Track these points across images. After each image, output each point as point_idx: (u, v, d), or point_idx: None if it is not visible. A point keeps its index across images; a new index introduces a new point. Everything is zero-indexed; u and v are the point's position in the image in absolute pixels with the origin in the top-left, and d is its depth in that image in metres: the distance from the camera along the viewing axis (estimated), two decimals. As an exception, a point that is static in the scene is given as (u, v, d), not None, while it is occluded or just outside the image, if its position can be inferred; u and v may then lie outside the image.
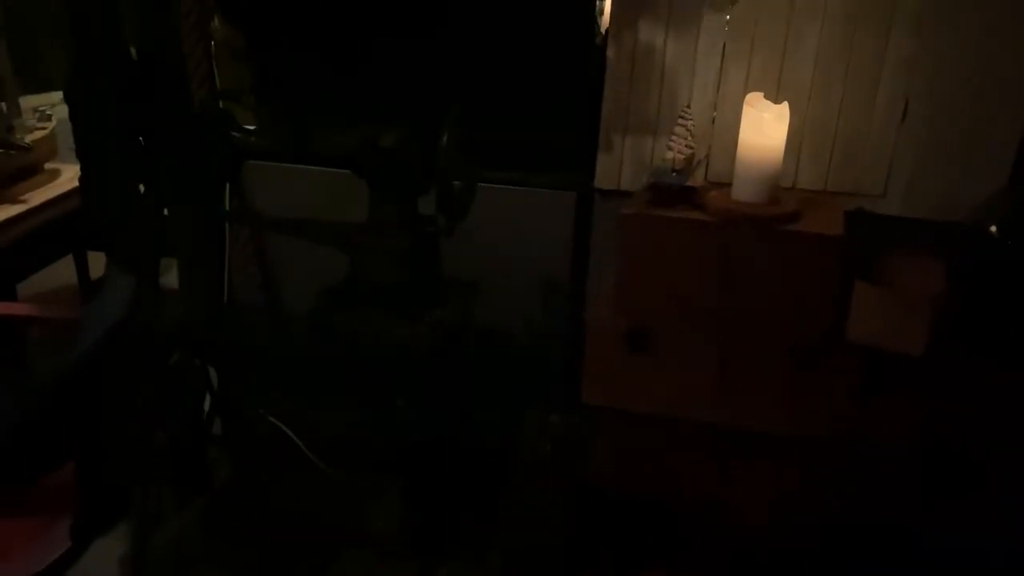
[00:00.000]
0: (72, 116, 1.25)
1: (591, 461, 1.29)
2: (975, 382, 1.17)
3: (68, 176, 1.82)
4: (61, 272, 1.96)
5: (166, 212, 1.39)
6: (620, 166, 1.60)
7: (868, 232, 1.37)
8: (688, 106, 1.48)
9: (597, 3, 1.51)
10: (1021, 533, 1.14)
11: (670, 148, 1.33)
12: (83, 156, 1.27)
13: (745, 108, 1.26)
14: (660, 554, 0.89)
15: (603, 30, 1.52)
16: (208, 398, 1.65)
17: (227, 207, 1.80)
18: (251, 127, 1.49)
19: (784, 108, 1.25)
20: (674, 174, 1.31)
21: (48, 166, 1.86)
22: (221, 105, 1.60)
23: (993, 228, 1.25)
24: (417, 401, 1.50)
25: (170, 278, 1.51)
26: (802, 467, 1.22)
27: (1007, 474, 1.16)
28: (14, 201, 1.69)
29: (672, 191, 1.29)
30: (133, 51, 1.27)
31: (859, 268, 1.22)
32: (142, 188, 1.33)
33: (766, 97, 1.26)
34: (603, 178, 1.61)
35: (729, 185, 1.30)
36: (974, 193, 1.39)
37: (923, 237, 1.39)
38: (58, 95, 1.94)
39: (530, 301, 1.71)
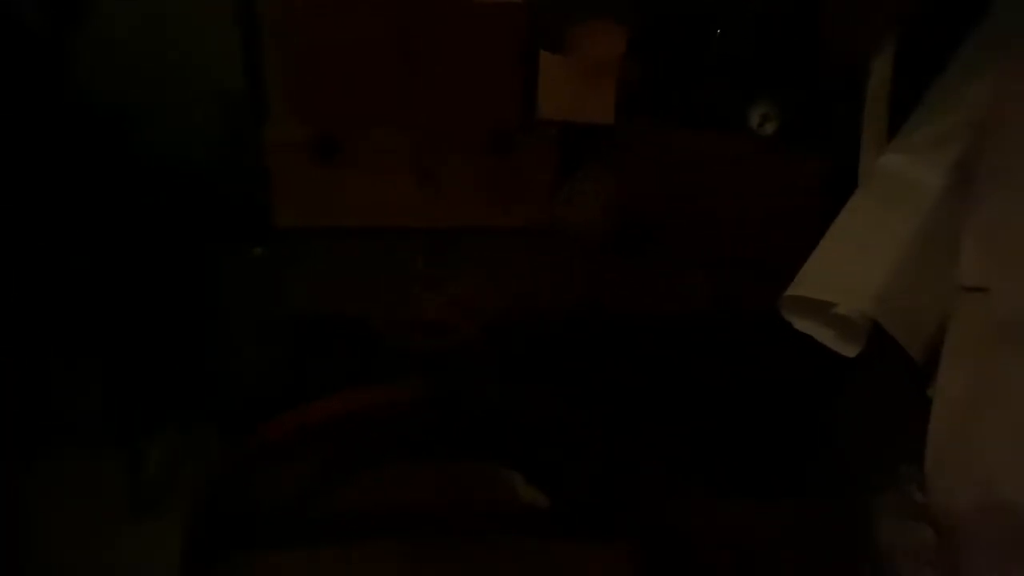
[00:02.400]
0: None
1: (292, 290, 1.18)
2: (662, 147, 1.19)
3: None
4: None
5: None
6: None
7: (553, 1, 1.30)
8: None
9: None
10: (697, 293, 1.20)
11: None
12: None
13: None
14: (370, 376, 0.81)
15: None
16: None
17: None
18: None
19: None
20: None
21: None
22: None
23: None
24: (86, 256, 1.29)
25: None
26: (504, 262, 1.19)
27: (687, 236, 1.21)
28: None
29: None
30: None
31: (545, 39, 1.16)
32: None
33: None
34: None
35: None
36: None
37: (607, 2, 1.34)
38: None
39: (204, 120, 1.49)
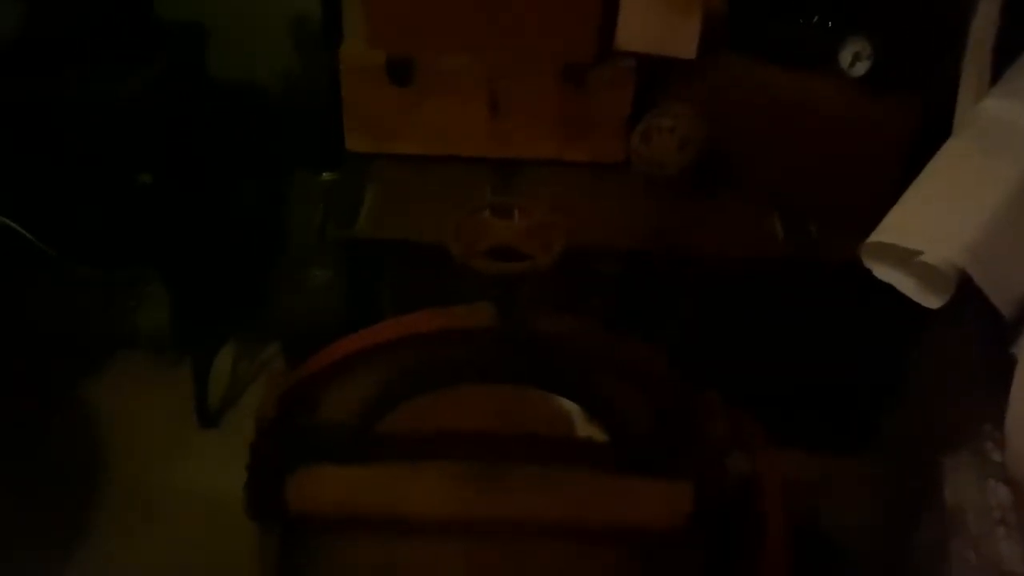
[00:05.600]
0: None
1: (362, 215, 1.18)
2: (746, 85, 1.15)
3: None
4: None
5: None
6: None
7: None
8: None
9: None
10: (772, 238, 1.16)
11: None
12: None
13: None
14: (441, 300, 0.81)
15: None
16: None
17: None
18: None
19: None
20: None
21: None
22: None
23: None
24: (163, 174, 1.31)
25: None
26: (575, 195, 1.18)
27: (765, 179, 1.17)
28: None
29: None
30: None
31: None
32: None
33: None
34: None
35: None
36: None
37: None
38: None
39: (277, 44, 1.48)
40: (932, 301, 0.83)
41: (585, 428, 0.95)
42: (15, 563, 1.19)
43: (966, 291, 0.82)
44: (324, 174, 1.37)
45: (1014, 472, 0.75)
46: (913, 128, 1.07)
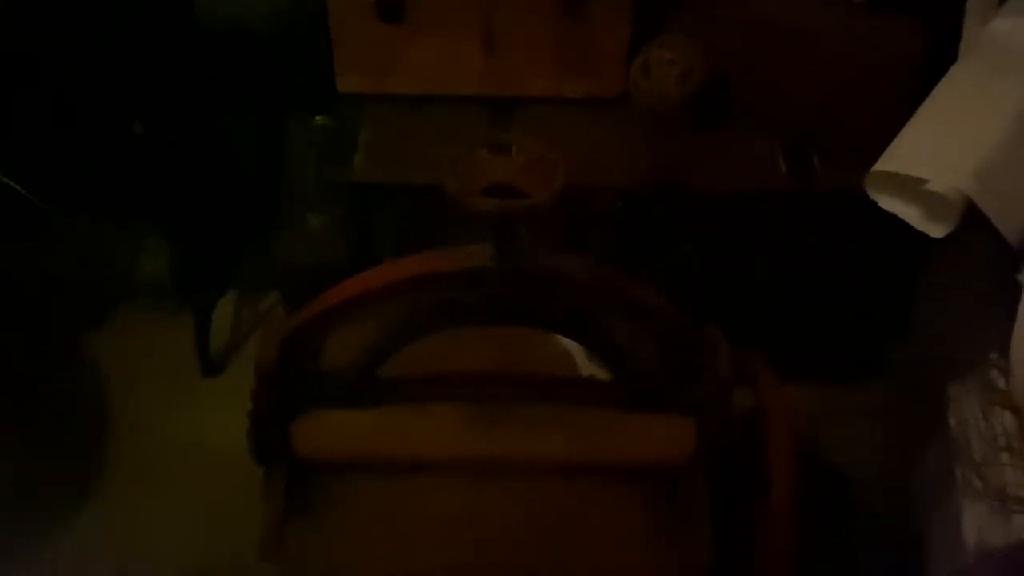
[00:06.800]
0: None
1: (357, 158, 1.16)
2: (747, 13, 1.11)
3: None
4: None
5: None
6: None
7: None
8: None
9: None
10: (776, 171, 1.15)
11: None
12: None
13: None
14: (440, 241, 0.80)
15: None
16: None
17: None
18: None
19: None
20: None
21: None
22: None
23: None
24: (154, 121, 1.28)
25: None
26: (573, 132, 1.15)
27: (768, 110, 1.15)
28: None
29: None
30: None
31: None
32: None
33: None
34: None
35: None
36: None
37: None
38: None
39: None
40: (937, 230, 0.82)
41: (587, 367, 0.95)
42: (20, 518, 1.20)
43: (972, 219, 0.81)
44: (317, 118, 1.35)
45: (1019, 399, 0.74)
46: (917, 51, 1.05)
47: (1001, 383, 0.79)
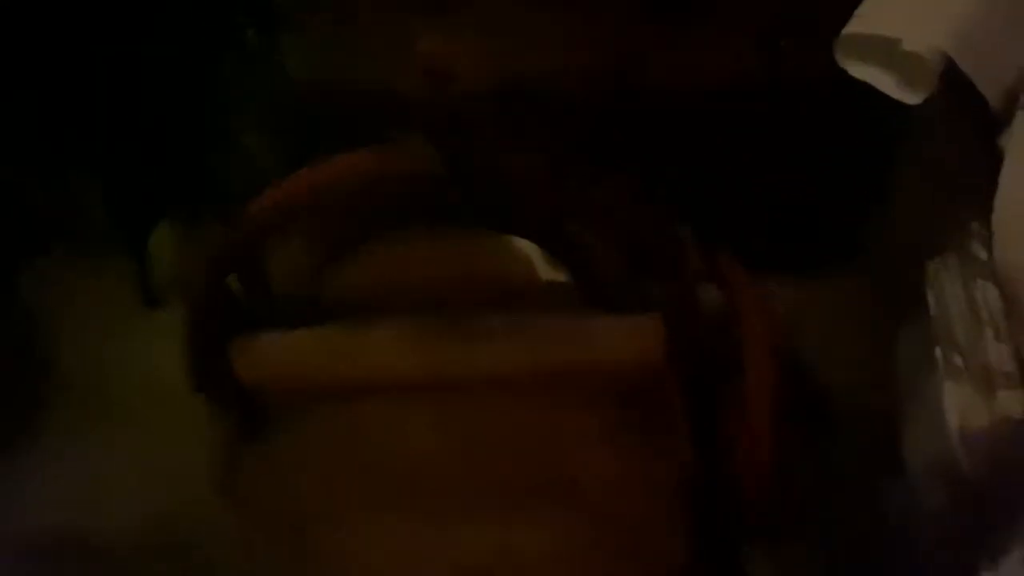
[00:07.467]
0: None
1: (288, 65, 1.08)
2: None
3: None
4: None
5: None
6: None
7: None
8: None
9: None
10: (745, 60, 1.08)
11: None
12: None
13: None
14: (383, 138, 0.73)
15: None
16: None
17: None
18: None
19: None
20: None
21: None
22: None
23: None
24: (74, 50, 1.19)
25: None
26: (523, 19, 1.07)
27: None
28: None
29: None
30: None
31: None
32: None
33: None
34: None
35: None
36: None
37: None
38: None
39: None
40: (913, 97, 0.76)
41: (546, 270, 0.90)
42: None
43: (950, 87, 0.75)
44: (249, 30, 1.26)
45: (1001, 263, 0.70)
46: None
47: (983, 254, 0.75)
